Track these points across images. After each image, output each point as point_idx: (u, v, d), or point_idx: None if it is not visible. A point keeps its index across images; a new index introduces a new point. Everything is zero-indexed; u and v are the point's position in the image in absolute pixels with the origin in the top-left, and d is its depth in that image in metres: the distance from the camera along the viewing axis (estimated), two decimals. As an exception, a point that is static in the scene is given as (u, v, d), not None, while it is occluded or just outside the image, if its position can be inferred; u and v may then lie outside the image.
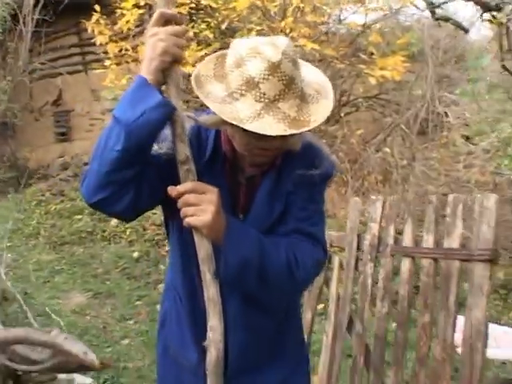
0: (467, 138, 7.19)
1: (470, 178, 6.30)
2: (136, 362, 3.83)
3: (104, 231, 6.78)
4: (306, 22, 6.06)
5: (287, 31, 5.75)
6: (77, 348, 1.60)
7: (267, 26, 6.11)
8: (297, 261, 1.31)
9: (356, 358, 2.48)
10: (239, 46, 1.20)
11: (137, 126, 1.12)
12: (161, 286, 5.30)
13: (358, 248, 2.57)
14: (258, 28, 6.18)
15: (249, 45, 1.18)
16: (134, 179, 1.21)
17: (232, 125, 1.15)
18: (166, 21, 1.17)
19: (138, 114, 1.12)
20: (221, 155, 1.35)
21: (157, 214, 6.76)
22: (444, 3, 3.78)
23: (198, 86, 1.20)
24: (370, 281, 2.47)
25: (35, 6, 9.21)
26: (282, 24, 5.67)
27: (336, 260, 2.68)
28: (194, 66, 6.80)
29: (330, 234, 2.70)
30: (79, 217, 7.17)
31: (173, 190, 1.18)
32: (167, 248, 6.12)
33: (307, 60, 1.39)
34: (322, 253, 1.42)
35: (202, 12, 7.35)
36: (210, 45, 7.09)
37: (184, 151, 1.18)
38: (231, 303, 1.36)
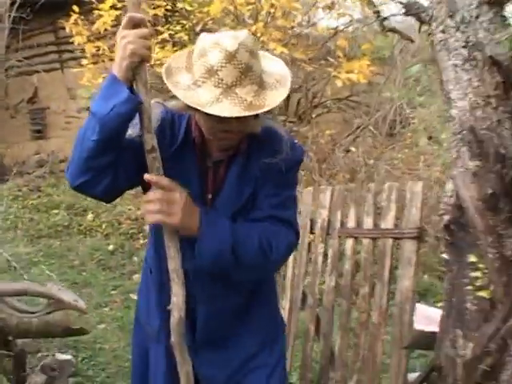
0: (430, 138, 7.63)
1: (430, 176, 6.71)
2: (112, 343, 4.10)
3: (80, 225, 7.00)
4: (277, 26, 6.39)
5: (258, 35, 6.06)
6: (68, 297, 1.95)
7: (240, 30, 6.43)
8: (270, 245, 1.42)
9: (308, 328, 2.84)
10: (204, 39, 1.34)
11: (109, 118, 1.26)
12: (136, 277, 5.58)
13: (312, 231, 2.93)
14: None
15: (212, 38, 1.32)
16: (111, 165, 1.35)
17: (197, 110, 1.30)
18: (134, 24, 1.29)
19: (110, 107, 1.26)
20: (191, 141, 1.49)
21: (132, 210, 7.05)
22: (391, 16, 4.13)
23: (168, 76, 1.34)
24: (320, 259, 2.84)
25: (12, 3, 9.37)
26: (254, 28, 5.98)
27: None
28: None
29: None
30: (56, 211, 7.38)
31: (148, 177, 1.32)
32: (141, 241, 6.40)
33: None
34: (294, 235, 1.54)
35: (177, 14, 7.57)
36: (185, 46, 7.37)
37: (151, 141, 1.32)
38: (197, 276, 1.47)
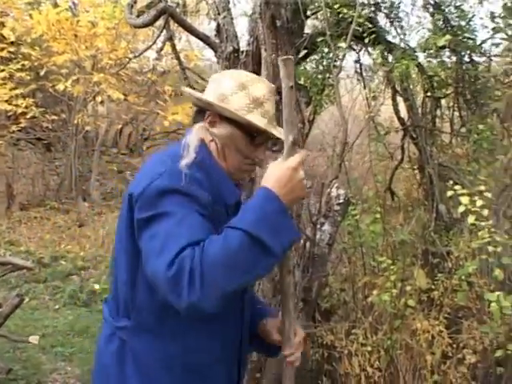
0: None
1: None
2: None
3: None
4: (119, 75, 7.85)
5: (100, 83, 7.63)
6: (22, 262, 3.52)
7: (82, 77, 7.96)
8: None
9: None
10: (231, 76, 1.52)
11: (282, 255, 1.33)
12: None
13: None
14: (74, 77, 7.88)
15: (243, 75, 1.53)
16: None
17: (235, 140, 1.46)
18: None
19: (285, 246, 1.30)
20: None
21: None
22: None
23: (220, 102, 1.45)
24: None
25: None
26: (95, 78, 7.48)
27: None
28: (9, 103, 8.16)
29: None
30: None
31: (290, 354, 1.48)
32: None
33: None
34: None
35: (20, 56, 8.47)
36: (29, 84, 8.49)
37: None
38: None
